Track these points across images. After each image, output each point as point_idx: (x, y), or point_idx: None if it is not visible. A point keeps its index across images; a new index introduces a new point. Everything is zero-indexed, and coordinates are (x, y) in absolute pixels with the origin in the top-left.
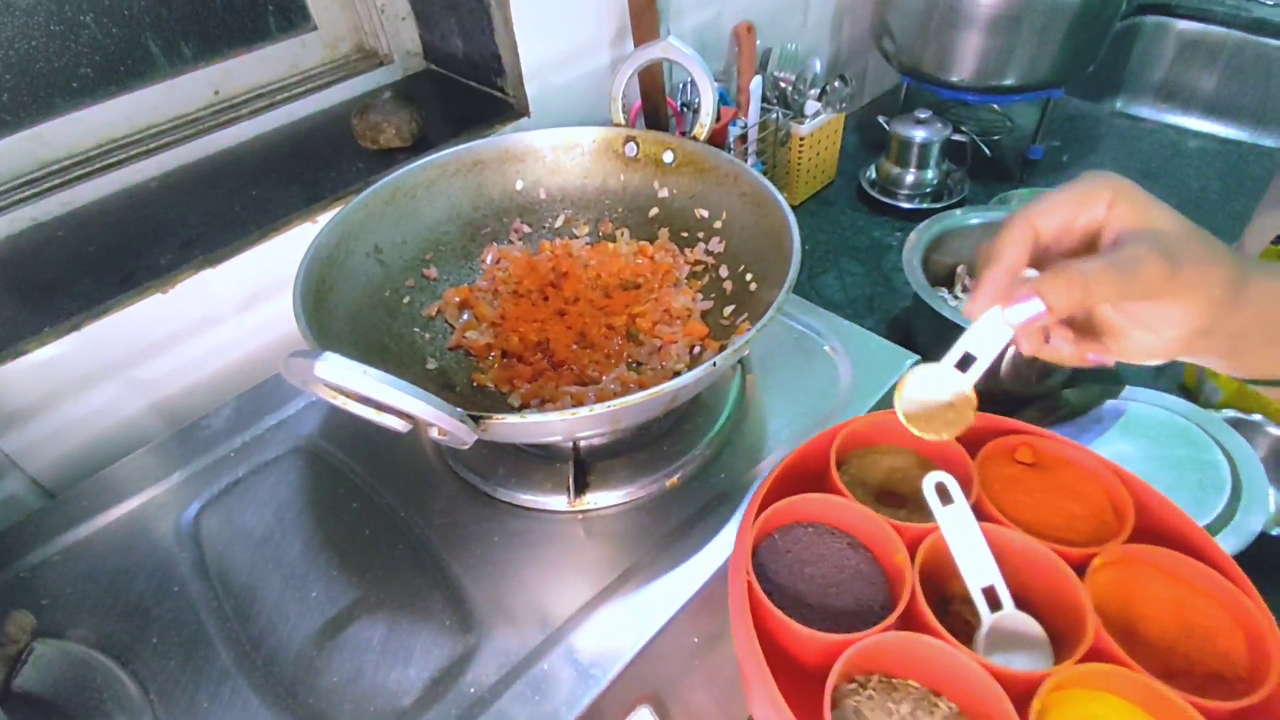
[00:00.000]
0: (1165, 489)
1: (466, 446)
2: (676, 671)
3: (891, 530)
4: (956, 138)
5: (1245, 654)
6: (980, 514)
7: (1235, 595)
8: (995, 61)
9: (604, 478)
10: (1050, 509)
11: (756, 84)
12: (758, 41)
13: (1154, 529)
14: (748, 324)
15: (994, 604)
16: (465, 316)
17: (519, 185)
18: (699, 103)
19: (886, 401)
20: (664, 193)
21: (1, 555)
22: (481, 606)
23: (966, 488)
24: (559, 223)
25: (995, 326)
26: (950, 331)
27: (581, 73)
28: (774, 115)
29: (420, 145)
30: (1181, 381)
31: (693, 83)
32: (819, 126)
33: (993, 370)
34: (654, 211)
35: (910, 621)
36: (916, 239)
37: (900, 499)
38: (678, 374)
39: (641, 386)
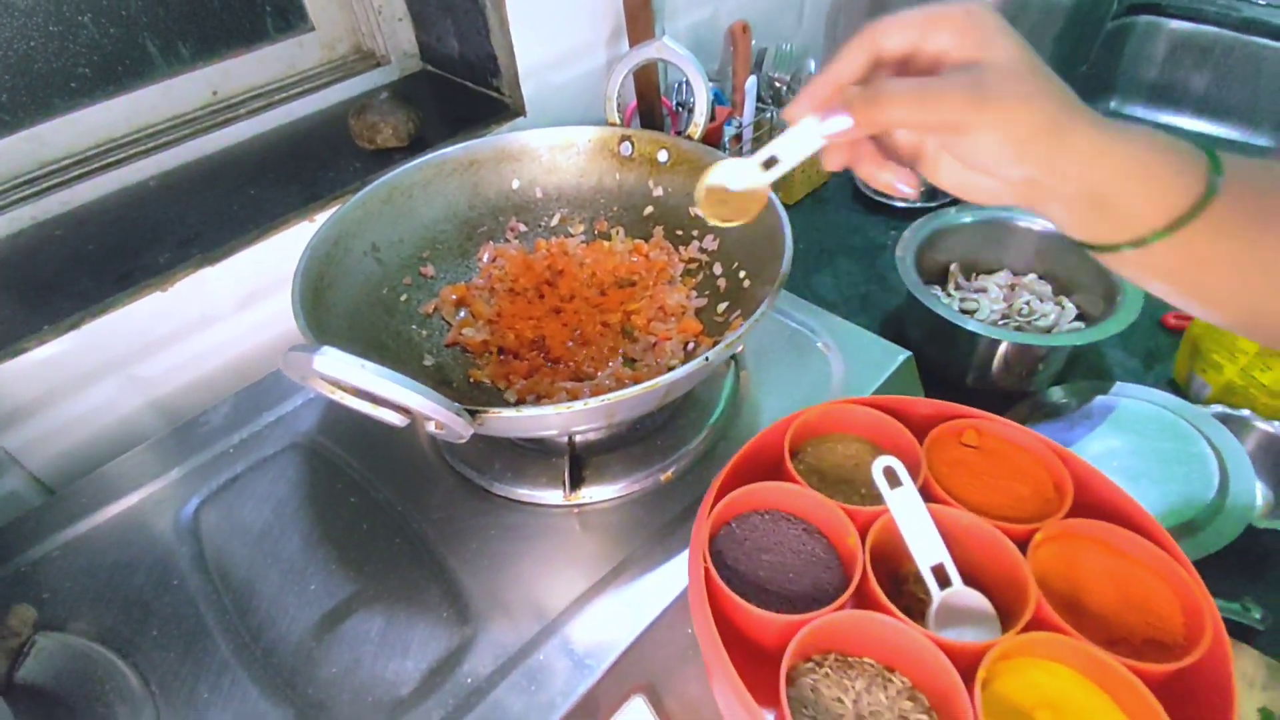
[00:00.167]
0: (1154, 483)
1: (463, 440)
2: (670, 662)
3: (843, 514)
4: None
5: (1180, 619)
6: (928, 496)
7: (1169, 564)
8: None
9: (599, 472)
10: (995, 489)
11: (751, 83)
12: (753, 41)
13: (1094, 505)
14: (741, 320)
15: (943, 581)
16: (462, 314)
17: (515, 184)
18: (694, 102)
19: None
20: (659, 191)
21: (2, 550)
22: (478, 599)
23: (914, 471)
24: (555, 221)
25: (808, 134)
26: (944, 328)
27: (577, 73)
28: (769, 115)
29: (417, 145)
30: (1171, 378)
31: (688, 82)
32: None
33: (983, 368)
34: (649, 210)
35: (863, 601)
36: (910, 237)
37: (853, 485)
38: (672, 370)
39: (636, 382)
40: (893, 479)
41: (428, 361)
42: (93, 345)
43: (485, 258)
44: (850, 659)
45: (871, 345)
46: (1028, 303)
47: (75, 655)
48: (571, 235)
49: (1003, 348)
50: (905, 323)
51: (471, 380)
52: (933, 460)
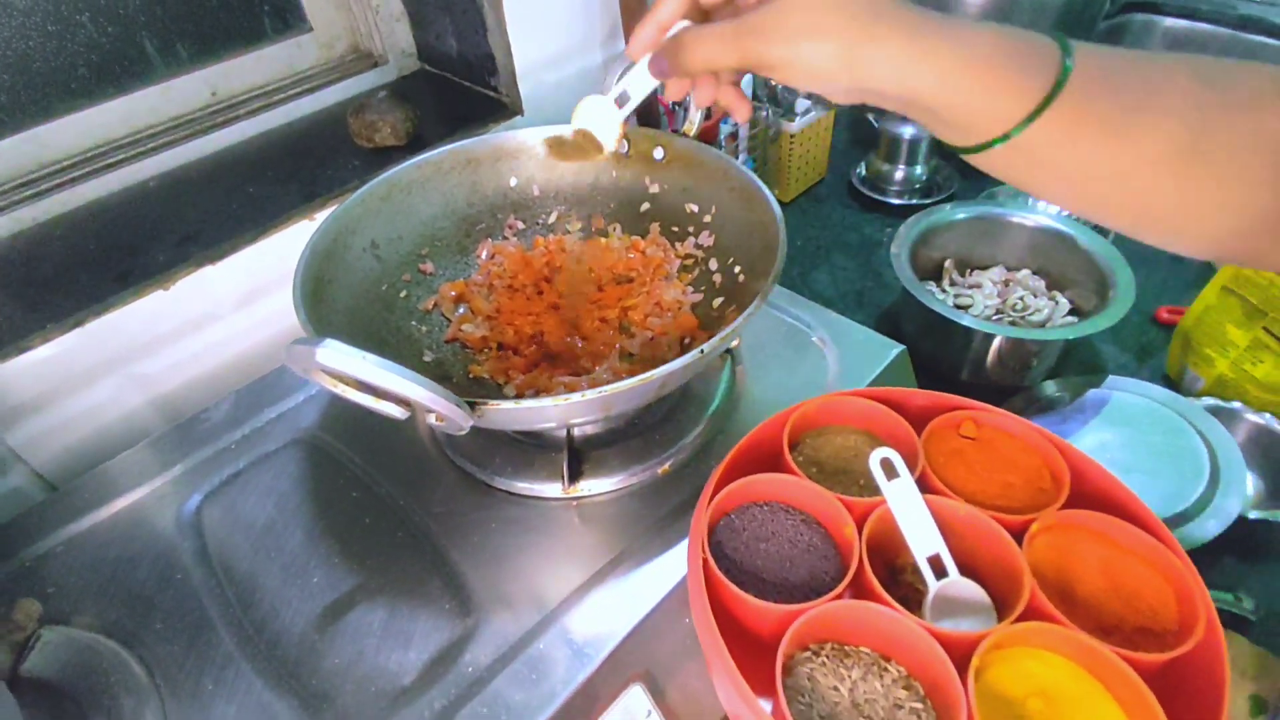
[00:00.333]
0: (1146, 475)
1: (463, 432)
2: (669, 651)
3: (841, 505)
4: None
5: (1174, 609)
6: (925, 487)
7: (1165, 555)
8: None
9: (597, 466)
10: (992, 480)
11: (747, 82)
12: None
13: (1091, 496)
14: (736, 315)
15: (940, 572)
16: (461, 310)
17: (513, 182)
18: (689, 100)
19: None
20: (655, 188)
21: (6, 545)
22: (479, 591)
23: (912, 463)
24: (552, 219)
25: (645, 73)
26: (939, 324)
27: (574, 71)
28: (764, 113)
29: (415, 144)
30: (1164, 372)
31: None
32: (809, 124)
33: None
34: (645, 207)
35: (860, 591)
36: (905, 234)
37: (852, 476)
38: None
39: (633, 376)
40: (890, 470)
41: (428, 357)
42: (94, 343)
43: (484, 255)
44: (847, 648)
45: (866, 339)
46: (1021, 298)
47: (80, 648)
48: (569, 232)
49: (997, 342)
50: (901, 318)
51: (471, 376)
52: (930, 451)
